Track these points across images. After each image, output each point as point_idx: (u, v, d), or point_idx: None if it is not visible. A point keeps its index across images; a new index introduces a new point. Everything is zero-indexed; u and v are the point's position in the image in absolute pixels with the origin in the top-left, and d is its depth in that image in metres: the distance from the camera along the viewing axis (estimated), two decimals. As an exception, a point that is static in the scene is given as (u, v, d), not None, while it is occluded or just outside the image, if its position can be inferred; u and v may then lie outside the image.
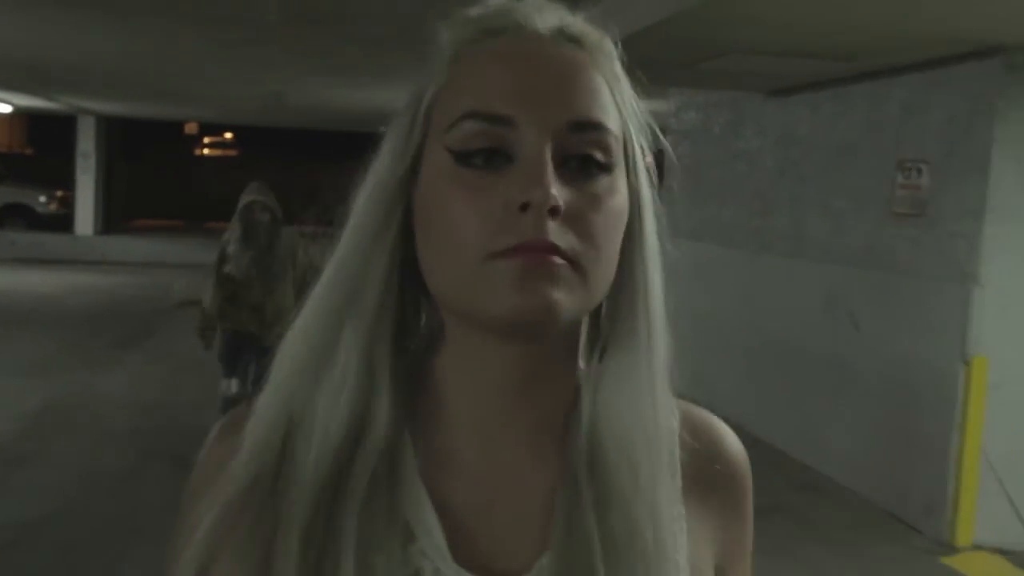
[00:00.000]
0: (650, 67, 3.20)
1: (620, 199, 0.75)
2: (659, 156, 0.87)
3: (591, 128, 0.73)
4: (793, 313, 7.00)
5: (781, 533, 5.32)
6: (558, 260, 0.70)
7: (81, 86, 13.56)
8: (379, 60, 8.82)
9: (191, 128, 33.30)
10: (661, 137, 0.82)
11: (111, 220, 20.70)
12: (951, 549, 5.20)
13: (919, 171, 5.68)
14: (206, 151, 35.76)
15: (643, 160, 0.80)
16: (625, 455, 0.76)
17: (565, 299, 0.71)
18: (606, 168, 0.74)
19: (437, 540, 0.75)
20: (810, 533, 5.44)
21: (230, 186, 34.27)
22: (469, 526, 0.76)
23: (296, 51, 8.80)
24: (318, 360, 0.76)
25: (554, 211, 0.69)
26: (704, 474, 0.82)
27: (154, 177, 25.61)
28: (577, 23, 0.78)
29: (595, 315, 0.80)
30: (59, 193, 20.19)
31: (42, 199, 20.01)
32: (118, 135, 21.74)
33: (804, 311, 6.84)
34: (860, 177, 6.28)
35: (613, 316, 0.79)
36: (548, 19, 0.77)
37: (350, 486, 0.73)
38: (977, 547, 5.20)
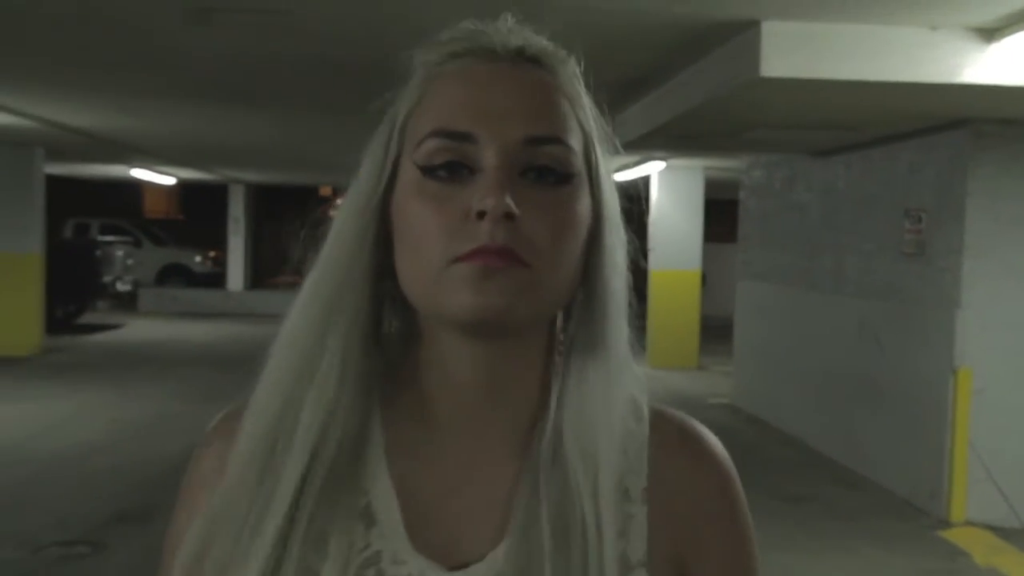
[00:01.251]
0: (705, 137, 5.56)
1: (578, 207, 0.79)
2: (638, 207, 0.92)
3: (547, 142, 0.78)
4: (834, 339, 8.24)
5: (814, 517, 6.56)
6: (514, 262, 0.74)
7: (237, 161, 15.62)
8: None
9: (325, 191, 35.75)
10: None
11: (257, 276, 22.92)
12: (948, 525, 6.36)
13: (919, 218, 6.92)
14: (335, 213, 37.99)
15: (607, 172, 0.84)
16: (582, 454, 0.79)
17: (518, 299, 0.75)
18: (564, 179, 0.78)
19: (396, 524, 0.79)
20: (838, 516, 6.66)
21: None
22: (430, 514, 0.80)
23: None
24: (303, 361, 0.81)
25: (508, 217, 0.74)
26: (671, 474, 0.84)
27: (293, 237, 27.81)
28: (538, 44, 0.83)
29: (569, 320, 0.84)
30: (212, 253, 22.54)
31: (197, 259, 22.30)
32: (263, 200, 24.06)
33: (842, 337, 8.08)
34: (881, 224, 7.53)
35: (578, 320, 0.83)
36: (510, 41, 0.82)
37: (317, 473, 0.78)
38: (968, 523, 6.36)
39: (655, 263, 13.40)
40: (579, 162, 0.80)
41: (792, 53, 4.90)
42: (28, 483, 6.78)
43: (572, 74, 0.84)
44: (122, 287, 17.57)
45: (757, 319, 10.21)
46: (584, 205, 0.80)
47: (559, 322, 0.86)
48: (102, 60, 6.81)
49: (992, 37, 4.92)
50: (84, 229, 21.53)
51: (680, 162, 12.20)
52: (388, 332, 0.85)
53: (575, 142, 0.80)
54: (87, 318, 16.65)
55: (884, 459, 7.29)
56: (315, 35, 5.67)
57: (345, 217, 0.84)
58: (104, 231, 21.50)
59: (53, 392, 10.06)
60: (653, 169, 13.03)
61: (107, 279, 17.31)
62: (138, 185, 23.76)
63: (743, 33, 5.04)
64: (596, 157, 0.83)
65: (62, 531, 5.71)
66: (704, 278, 14.20)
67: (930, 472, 6.62)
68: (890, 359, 7.28)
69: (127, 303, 19.11)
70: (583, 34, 3.42)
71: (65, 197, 20.38)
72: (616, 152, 0.86)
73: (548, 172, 0.78)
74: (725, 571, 0.86)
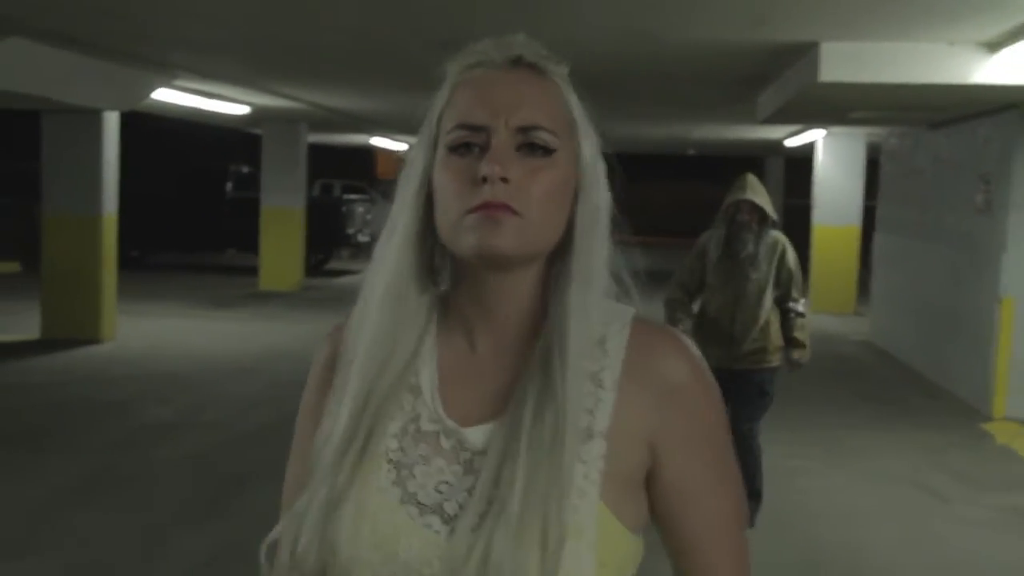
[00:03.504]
0: (820, 115, 8.82)
1: (559, 173, 1.07)
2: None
3: (534, 128, 1.05)
4: (932, 281, 10.06)
5: (885, 413, 8.51)
6: (508, 212, 1.03)
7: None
8: (655, 112, 12.62)
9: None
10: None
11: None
12: (990, 419, 8.20)
13: (988, 181, 8.68)
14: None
15: (592, 149, 1.11)
16: (561, 354, 1.05)
17: (510, 238, 1.03)
18: (547, 153, 1.06)
19: (432, 396, 1.11)
20: (905, 412, 8.58)
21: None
22: (458, 391, 1.11)
23: (602, 107, 12.73)
24: (383, 288, 1.12)
25: (504, 180, 1.03)
26: (642, 370, 1.09)
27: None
28: (533, 53, 1.10)
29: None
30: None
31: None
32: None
33: (939, 278, 9.89)
34: (965, 185, 9.29)
35: (563, 258, 1.10)
36: (511, 52, 1.10)
37: (390, 362, 1.11)
38: (1006, 419, 8.18)
39: (818, 219, 15.16)
40: (560, 140, 1.07)
41: (843, 65, 6.91)
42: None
43: (561, 75, 1.12)
44: (362, 238, 20.32)
45: (887, 266, 12.01)
46: (565, 171, 1.08)
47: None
48: (359, 67, 9.44)
49: (995, 49, 6.76)
50: (329, 189, 24.75)
51: (841, 129, 13.91)
52: (441, 270, 1.15)
53: (558, 126, 1.08)
54: (333, 264, 19.75)
55: (956, 372, 9.13)
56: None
57: (404, 186, 1.12)
58: (345, 191, 24.51)
59: (308, 318, 12.83)
60: (817, 136, 14.78)
61: (350, 231, 20.10)
62: (371, 151, 26.89)
63: (809, 51, 7.09)
64: (579, 136, 1.10)
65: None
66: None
67: (982, 379, 8.45)
68: (965, 294, 9.09)
69: (366, 252, 22.09)
70: (705, 51, 6.16)
71: (312, 161, 23.67)
72: (597, 134, 1.13)
73: (536, 148, 1.06)
74: (688, 457, 1.09)
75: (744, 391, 5.11)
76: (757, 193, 5.03)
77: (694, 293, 5.28)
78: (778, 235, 5.14)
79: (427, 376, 1.13)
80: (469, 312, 1.12)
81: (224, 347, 10.54)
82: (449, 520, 1.05)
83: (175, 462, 6.36)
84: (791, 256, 5.13)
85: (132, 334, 10.87)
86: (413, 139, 1.17)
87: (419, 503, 1.07)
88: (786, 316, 5.19)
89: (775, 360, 5.21)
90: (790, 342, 5.22)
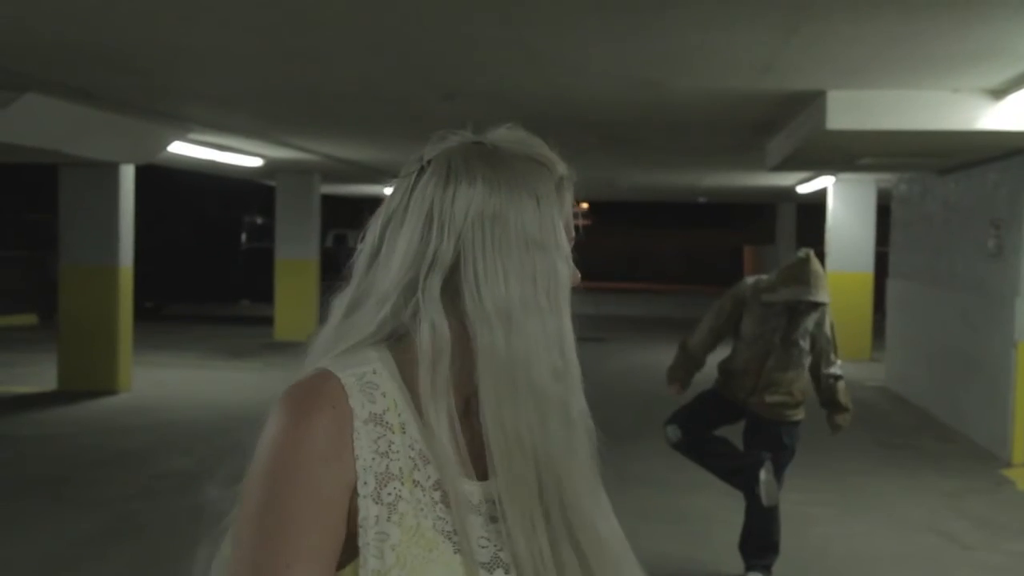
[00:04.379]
0: (828, 163, 8.96)
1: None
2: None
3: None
4: (948, 325, 10.04)
5: (902, 457, 8.48)
6: None
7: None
8: (663, 160, 12.70)
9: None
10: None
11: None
12: (1008, 464, 8.15)
13: (998, 225, 8.71)
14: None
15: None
16: None
17: None
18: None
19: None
20: (922, 456, 8.54)
21: (583, 251, 39.01)
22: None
23: (613, 155, 12.85)
24: None
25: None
26: None
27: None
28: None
29: None
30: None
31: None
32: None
33: (950, 323, 9.88)
34: (976, 230, 9.31)
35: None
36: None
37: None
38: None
39: (832, 265, 15.18)
40: None
41: (849, 113, 6.98)
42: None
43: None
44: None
45: (901, 312, 12.00)
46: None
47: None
48: (370, 118, 9.56)
49: (1000, 96, 6.83)
50: (343, 239, 24.99)
51: (852, 176, 13.99)
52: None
53: None
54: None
55: (973, 417, 9.08)
56: (524, 105, 8.15)
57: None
58: (359, 240, 24.76)
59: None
60: (827, 182, 14.85)
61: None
62: (384, 200, 27.09)
63: (816, 99, 7.16)
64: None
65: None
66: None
67: (1000, 424, 8.41)
68: (979, 338, 9.07)
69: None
70: (713, 99, 6.25)
71: (325, 211, 23.92)
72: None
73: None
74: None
75: (762, 441, 5.09)
76: (819, 288, 4.89)
77: (720, 340, 5.22)
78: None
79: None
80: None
81: (240, 397, 10.57)
82: (507, 566, 1.12)
83: (193, 512, 6.35)
84: (828, 323, 5.07)
85: (148, 384, 10.92)
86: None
87: (481, 563, 1.12)
88: (825, 381, 5.11)
89: (796, 415, 5.10)
90: (833, 406, 5.13)
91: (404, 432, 1.13)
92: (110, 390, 10.47)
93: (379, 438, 1.12)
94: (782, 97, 7.36)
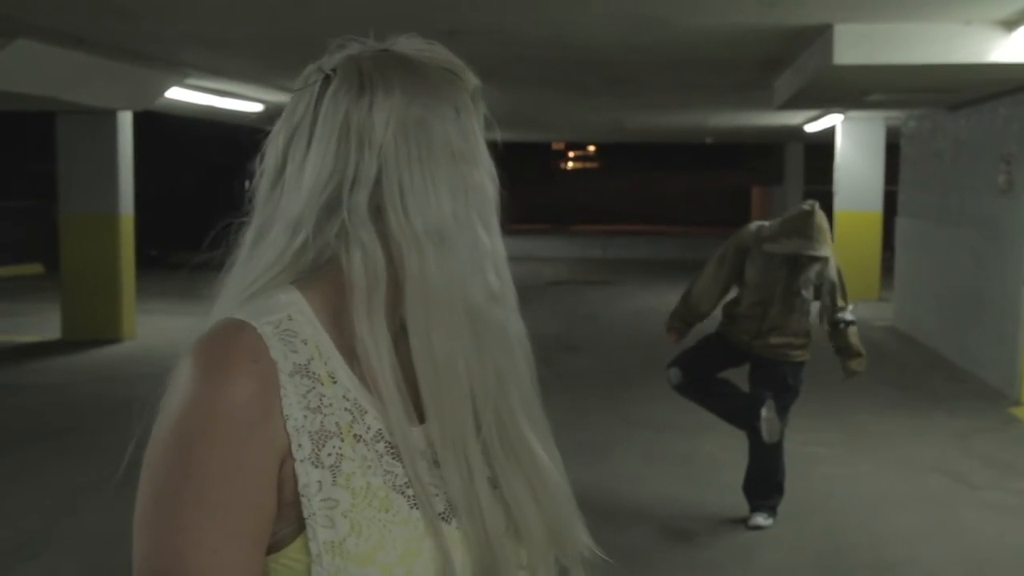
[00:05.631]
0: (836, 100, 8.77)
1: None
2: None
3: None
4: (957, 264, 9.92)
5: (910, 398, 8.41)
6: None
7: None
8: (670, 101, 12.52)
9: (558, 144, 38.39)
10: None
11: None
12: (1017, 403, 8.08)
13: (1009, 161, 8.55)
14: (570, 164, 40.70)
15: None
16: None
17: None
18: None
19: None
20: (931, 398, 8.47)
21: (590, 194, 38.51)
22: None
23: (618, 96, 12.66)
24: None
25: None
26: None
27: (526, 187, 30.67)
28: None
29: None
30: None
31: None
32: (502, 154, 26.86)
33: (962, 262, 9.76)
34: (986, 167, 9.16)
35: None
36: None
37: None
38: (1032, 402, 8.08)
39: (840, 205, 15.02)
40: None
41: (857, 47, 6.81)
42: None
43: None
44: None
45: (909, 251, 11.87)
46: None
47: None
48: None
49: (1012, 27, 6.65)
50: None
51: (860, 114, 13.77)
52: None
53: None
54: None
55: (982, 356, 9.00)
56: (526, 44, 8.00)
57: None
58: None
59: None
60: (836, 120, 14.64)
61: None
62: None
63: (823, 34, 6.99)
64: None
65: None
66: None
67: (1008, 363, 8.33)
68: (989, 276, 8.96)
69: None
70: (718, 36, 6.10)
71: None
72: None
73: None
74: None
75: (766, 381, 5.05)
76: (821, 243, 4.83)
77: (726, 292, 5.16)
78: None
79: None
80: None
81: (243, 344, 10.53)
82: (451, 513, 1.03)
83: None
84: (832, 268, 4.98)
85: (152, 332, 10.88)
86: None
87: (438, 514, 1.02)
88: (836, 327, 5.02)
89: (801, 355, 5.05)
90: (846, 352, 5.04)
91: (335, 382, 1.01)
92: (114, 338, 10.45)
93: (308, 392, 0.99)
94: (788, 32, 7.19)
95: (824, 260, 4.91)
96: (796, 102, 9.67)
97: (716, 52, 8.24)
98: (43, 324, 11.35)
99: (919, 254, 11.44)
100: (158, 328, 11.18)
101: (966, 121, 9.87)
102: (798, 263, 4.89)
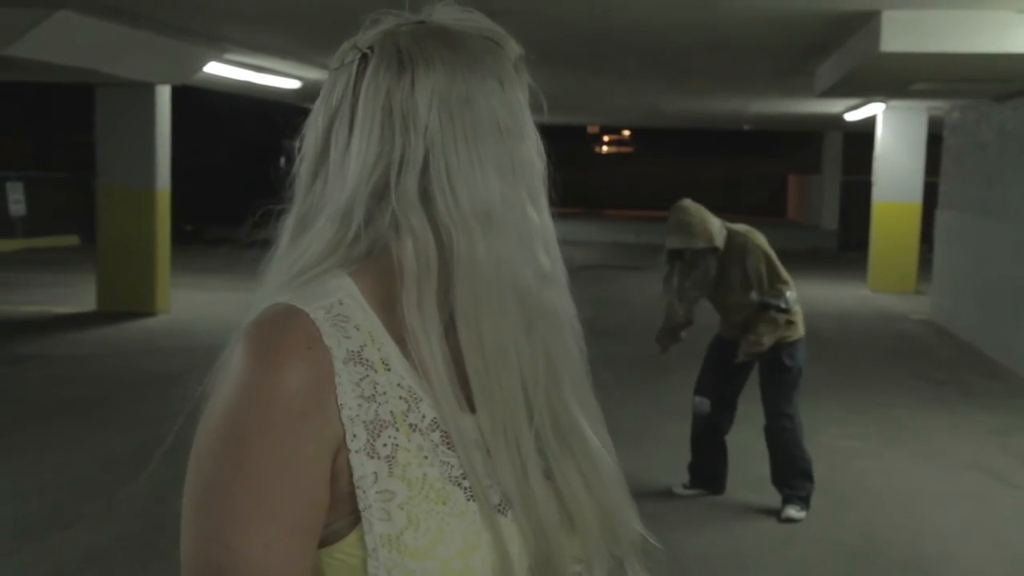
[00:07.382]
0: (880, 88, 8.64)
1: None
2: None
3: None
4: (998, 258, 9.76)
5: (945, 393, 8.28)
6: None
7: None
8: (709, 85, 12.39)
9: (593, 128, 38.24)
10: None
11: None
12: (1056, 401, 7.97)
13: (1056, 154, 8.39)
14: (604, 148, 40.53)
15: None
16: None
17: None
18: None
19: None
20: (966, 393, 8.34)
21: (624, 178, 38.40)
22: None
23: (656, 79, 12.56)
24: None
25: None
26: None
27: (560, 170, 30.57)
28: None
29: None
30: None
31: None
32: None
33: (1003, 256, 9.60)
34: (1033, 159, 9.00)
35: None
36: None
37: None
38: (1074, 400, 7.93)
39: (879, 196, 14.83)
40: None
41: (905, 34, 6.68)
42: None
43: None
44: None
45: (949, 244, 11.69)
46: None
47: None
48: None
49: (1067, 16, 6.50)
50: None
51: (902, 103, 13.58)
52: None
53: None
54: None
55: (1021, 352, 8.86)
56: (566, 24, 7.92)
57: None
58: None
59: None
60: (877, 110, 14.44)
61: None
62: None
63: (870, 20, 6.86)
64: None
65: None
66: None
67: (1049, 360, 8.20)
68: (1030, 271, 8.83)
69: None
70: (762, 19, 6.00)
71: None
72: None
73: None
74: None
75: (767, 366, 5.10)
76: (678, 235, 4.90)
77: (694, 300, 5.22)
78: (736, 238, 4.97)
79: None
80: None
81: (276, 321, 10.56)
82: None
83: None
84: (750, 258, 4.94)
85: (186, 306, 10.93)
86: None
87: (495, 506, 0.98)
88: (764, 308, 4.97)
89: (790, 335, 5.02)
90: (750, 331, 4.98)
91: (389, 369, 0.97)
92: (148, 311, 10.50)
93: (362, 380, 0.95)
94: (835, 17, 7.06)
95: (705, 251, 4.91)
96: (838, 90, 9.53)
97: (760, 36, 8.12)
98: (78, 295, 11.42)
99: (959, 247, 11.27)
100: (192, 302, 11.23)
101: (1013, 112, 9.68)
102: (684, 259, 4.99)
